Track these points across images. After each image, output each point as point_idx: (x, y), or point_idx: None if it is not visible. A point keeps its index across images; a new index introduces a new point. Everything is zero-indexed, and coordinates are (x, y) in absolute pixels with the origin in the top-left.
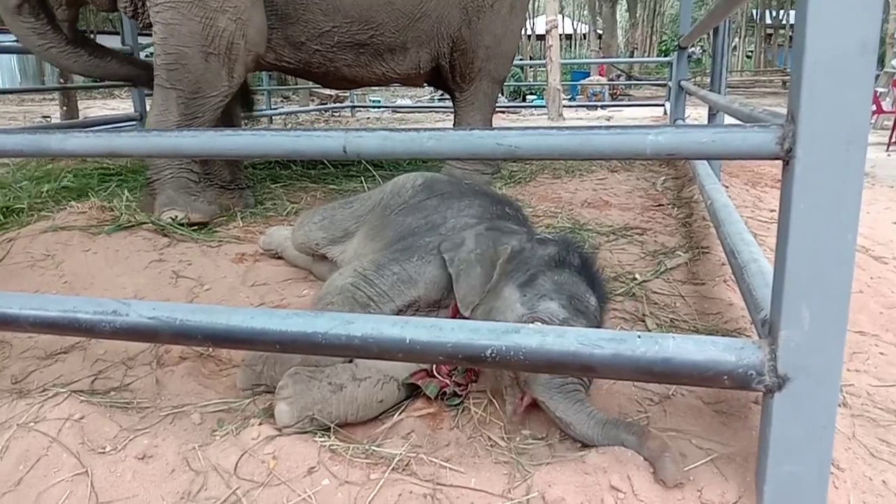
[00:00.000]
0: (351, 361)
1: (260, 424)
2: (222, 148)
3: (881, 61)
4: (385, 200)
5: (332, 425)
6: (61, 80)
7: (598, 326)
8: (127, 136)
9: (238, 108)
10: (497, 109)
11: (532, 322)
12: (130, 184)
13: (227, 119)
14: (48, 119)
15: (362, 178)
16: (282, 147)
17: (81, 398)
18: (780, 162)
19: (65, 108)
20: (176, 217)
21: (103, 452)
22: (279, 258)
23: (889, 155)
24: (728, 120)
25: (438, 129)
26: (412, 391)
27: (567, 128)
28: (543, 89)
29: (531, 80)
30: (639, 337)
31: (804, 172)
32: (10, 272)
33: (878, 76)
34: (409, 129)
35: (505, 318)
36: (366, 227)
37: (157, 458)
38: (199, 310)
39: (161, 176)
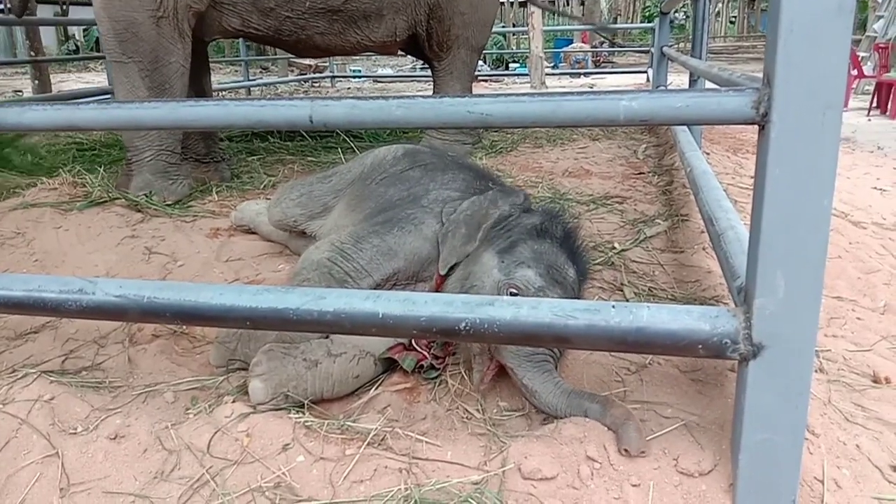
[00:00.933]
0: (327, 337)
1: (233, 402)
2: (184, 119)
3: (863, 26)
4: (365, 172)
5: (307, 402)
6: (32, 53)
7: (576, 298)
8: (87, 108)
9: (208, 79)
10: (479, 78)
11: (507, 289)
12: (104, 158)
13: (198, 90)
14: (20, 93)
15: (339, 150)
16: (246, 117)
17: (52, 378)
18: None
19: (37, 81)
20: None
21: (74, 433)
22: (252, 233)
23: (870, 120)
24: (708, 85)
25: (407, 96)
26: (389, 365)
27: (539, 94)
28: (526, 57)
29: (514, 47)
30: (613, 307)
31: (779, 137)
32: None
33: (859, 41)
34: (378, 98)
35: (482, 283)
36: (345, 199)
37: (129, 437)
38: (168, 287)
39: (140, 158)
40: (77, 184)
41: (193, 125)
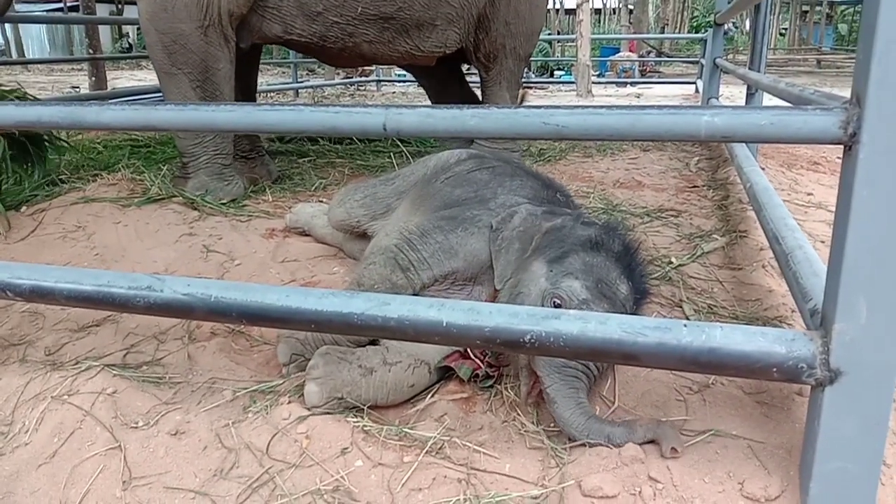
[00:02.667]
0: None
1: (289, 403)
2: (260, 123)
3: None
4: (429, 174)
5: (364, 407)
6: (90, 51)
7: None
8: (163, 108)
9: (255, 81)
10: (524, 85)
11: (551, 298)
12: (159, 156)
13: (245, 92)
14: (77, 89)
15: (391, 154)
16: (321, 123)
17: (114, 372)
18: (816, 145)
19: (93, 78)
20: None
21: (136, 427)
22: (306, 235)
23: None
24: (767, 100)
25: (482, 107)
26: (443, 374)
27: (617, 107)
28: (572, 65)
29: (559, 55)
30: (685, 326)
31: (869, 158)
32: (42, 243)
33: None
34: (452, 107)
35: (528, 291)
36: (408, 198)
37: (189, 434)
38: (234, 287)
39: (196, 161)
40: (135, 180)
41: (268, 129)
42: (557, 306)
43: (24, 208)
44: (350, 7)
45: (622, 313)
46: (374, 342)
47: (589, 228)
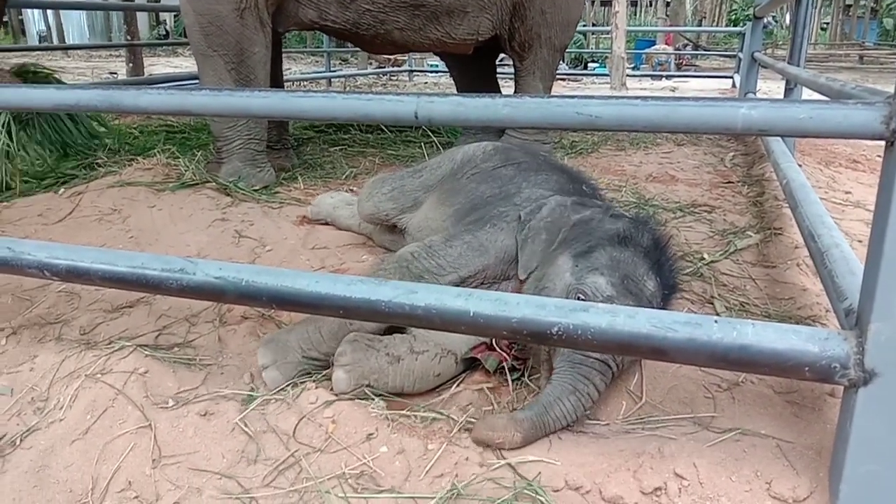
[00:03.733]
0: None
1: (316, 388)
2: (294, 109)
3: None
4: (456, 168)
5: (388, 395)
6: (128, 38)
7: None
8: (199, 94)
9: (281, 69)
10: (557, 77)
11: (575, 294)
12: (194, 142)
13: (273, 81)
14: (115, 75)
15: (421, 144)
16: (353, 110)
17: (146, 352)
18: (858, 141)
19: (131, 64)
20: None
21: (166, 407)
22: (329, 225)
23: None
24: (807, 95)
25: (514, 96)
26: (469, 365)
27: (652, 98)
28: (606, 57)
29: (593, 47)
30: (715, 322)
31: None
32: (79, 224)
33: None
34: (484, 96)
35: (553, 285)
36: (436, 193)
37: (218, 415)
38: (265, 272)
39: (230, 147)
40: (170, 165)
41: (302, 115)
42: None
43: (62, 190)
44: None
45: None
46: (398, 330)
47: (618, 222)
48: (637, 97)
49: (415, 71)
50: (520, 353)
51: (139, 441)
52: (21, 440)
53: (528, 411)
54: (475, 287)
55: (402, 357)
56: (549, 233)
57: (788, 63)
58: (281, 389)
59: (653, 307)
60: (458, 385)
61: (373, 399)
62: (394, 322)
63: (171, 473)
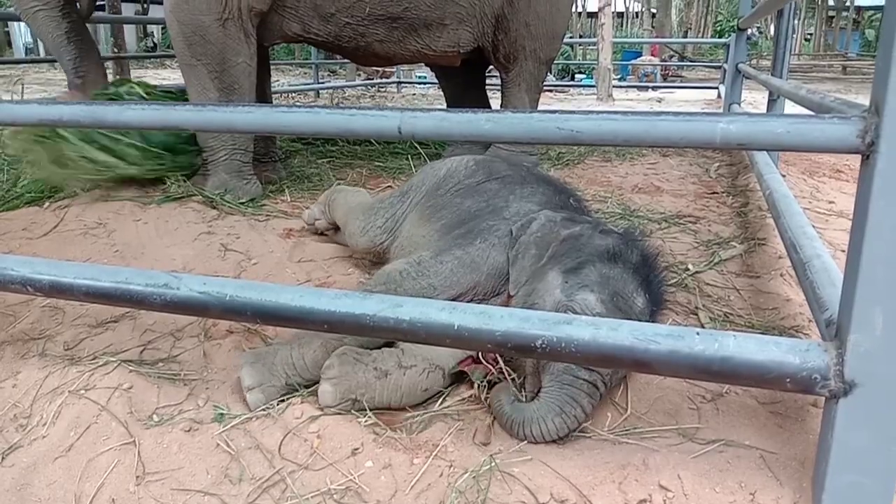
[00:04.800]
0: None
1: (302, 403)
2: (276, 124)
3: None
4: (438, 183)
5: (372, 409)
6: (115, 50)
7: None
8: (182, 108)
9: (269, 82)
10: (544, 88)
11: (565, 310)
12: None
13: (260, 93)
14: None
15: (408, 156)
16: (336, 125)
17: (130, 368)
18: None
19: (118, 76)
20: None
21: (151, 423)
22: (323, 234)
23: None
24: (789, 107)
25: (497, 111)
26: (456, 379)
27: (632, 113)
28: (593, 68)
29: (580, 58)
30: (697, 334)
31: (886, 168)
32: (64, 239)
33: None
34: (467, 111)
35: (543, 301)
36: (417, 209)
37: (202, 432)
38: (249, 286)
39: (215, 158)
40: (155, 179)
41: (285, 130)
42: None
43: (46, 204)
44: (359, 8)
45: None
46: (388, 344)
47: (607, 238)
48: (618, 112)
49: (403, 82)
50: (507, 366)
51: (123, 458)
52: (3, 458)
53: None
54: (469, 302)
55: (389, 372)
56: (539, 248)
57: (772, 75)
58: (266, 404)
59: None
60: (444, 399)
61: (358, 413)
62: (379, 336)
63: (156, 491)
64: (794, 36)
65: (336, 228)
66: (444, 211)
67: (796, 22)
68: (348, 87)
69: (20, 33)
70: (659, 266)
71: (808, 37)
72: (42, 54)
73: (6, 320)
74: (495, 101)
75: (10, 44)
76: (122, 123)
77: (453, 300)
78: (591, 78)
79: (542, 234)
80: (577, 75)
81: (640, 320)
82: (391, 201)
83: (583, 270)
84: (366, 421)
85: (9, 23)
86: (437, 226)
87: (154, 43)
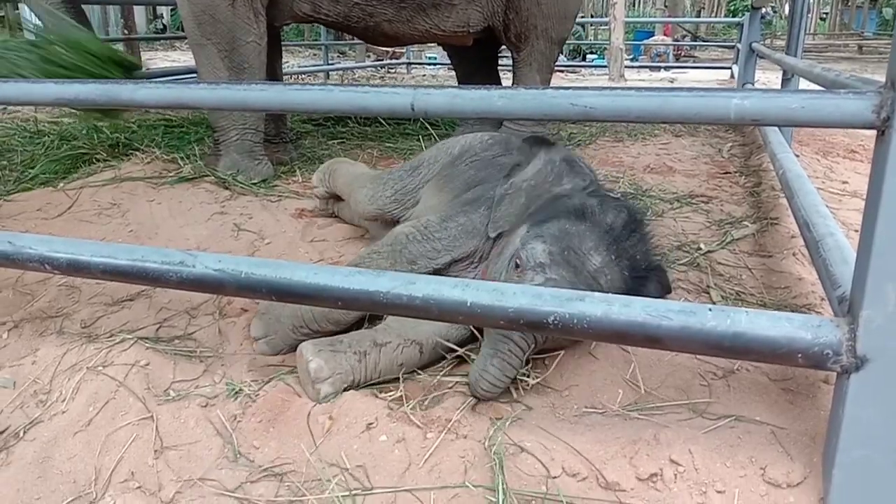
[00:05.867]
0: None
1: None
2: (290, 102)
3: None
4: (454, 158)
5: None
6: (125, 31)
7: (591, 289)
8: (196, 87)
9: (280, 63)
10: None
11: (514, 259)
12: (192, 136)
13: (270, 74)
14: None
15: (419, 137)
16: (350, 103)
17: (147, 345)
18: (856, 132)
19: None
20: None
21: (168, 399)
22: (334, 215)
23: None
24: (804, 86)
25: (509, 88)
26: (436, 355)
27: (646, 89)
28: (604, 48)
29: (592, 38)
30: (710, 310)
31: None
32: (78, 220)
33: None
34: (479, 88)
35: (507, 253)
36: (433, 181)
37: (218, 406)
38: (264, 263)
39: (227, 138)
40: (168, 159)
41: (299, 108)
42: (517, 267)
43: (61, 185)
44: None
45: (591, 285)
46: (360, 325)
47: (592, 198)
48: (631, 88)
49: (412, 63)
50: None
51: (141, 432)
52: (24, 432)
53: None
54: (467, 266)
55: (367, 352)
56: (528, 199)
57: (786, 54)
58: (280, 379)
59: (599, 283)
60: (459, 374)
61: (374, 388)
62: (392, 312)
63: (174, 464)
64: (809, 15)
65: (334, 198)
66: (456, 181)
67: (811, 0)
68: (358, 68)
69: (31, 16)
70: (644, 233)
71: (824, 16)
72: None
73: (24, 299)
74: (507, 81)
75: (20, 26)
76: (136, 102)
77: (454, 262)
78: (603, 58)
79: (535, 183)
80: (588, 55)
81: (594, 279)
82: (401, 174)
83: (547, 223)
84: (383, 396)
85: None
86: (450, 195)
87: (164, 25)
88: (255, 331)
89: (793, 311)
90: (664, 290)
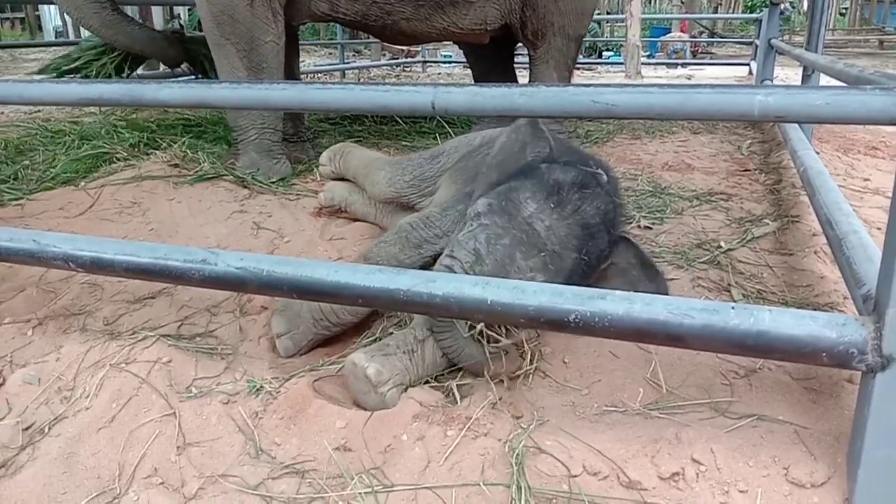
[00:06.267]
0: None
1: None
2: (311, 101)
3: None
4: (472, 150)
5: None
6: None
7: (526, 235)
8: (219, 87)
9: (297, 62)
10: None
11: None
12: (210, 135)
13: (288, 73)
14: None
15: (436, 135)
16: (371, 101)
17: (169, 342)
18: (877, 128)
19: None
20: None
21: (190, 395)
22: (343, 212)
23: None
24: (824, 81)
25: (530, 85)
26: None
27: (668, 86)
28: (621, 45)
29: (608, 35)
30: (732, 308)
31: None
32: (100, 218)
33: None
34: (500, 86)
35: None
36: (448, 173)
37: (239, 403)
38: (285, 262)
39: (245, 137)
40: (188, 158)
41: (320, 107)
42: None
43: (82, 183)
44: None
45: (525, 230)
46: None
47: (547, 161)
48: (653, 85)
49: (428, 62)
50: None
51: (164, 429)
52: (49, 428)
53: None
54: None
55: (414, 349)
56: (500, 173)
57: (806, 49)
58: (301, 377)
59: (532, 229)
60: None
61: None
62: (412, 311)
63: (196, 460)
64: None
65: (340, 179)
66: (467, 173)
67: None
68: (373, 66)
69: (50, 17)
70: (599, 191)
71: (843, 10)
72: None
73: (47, 296)
74: (523, 79)
75: (41, 27)
76: (159, 101)
77: None
78: (619, 55)
79: (503, 158)
80: (604, 52)
81: (528, 224)
82: (419, 161)
83: (500, 183)
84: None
85: (39, 6)
86: (458, 187)
87: (181, 24)
88: (276, 327)
89: (815, 310)
90: (639, 260)
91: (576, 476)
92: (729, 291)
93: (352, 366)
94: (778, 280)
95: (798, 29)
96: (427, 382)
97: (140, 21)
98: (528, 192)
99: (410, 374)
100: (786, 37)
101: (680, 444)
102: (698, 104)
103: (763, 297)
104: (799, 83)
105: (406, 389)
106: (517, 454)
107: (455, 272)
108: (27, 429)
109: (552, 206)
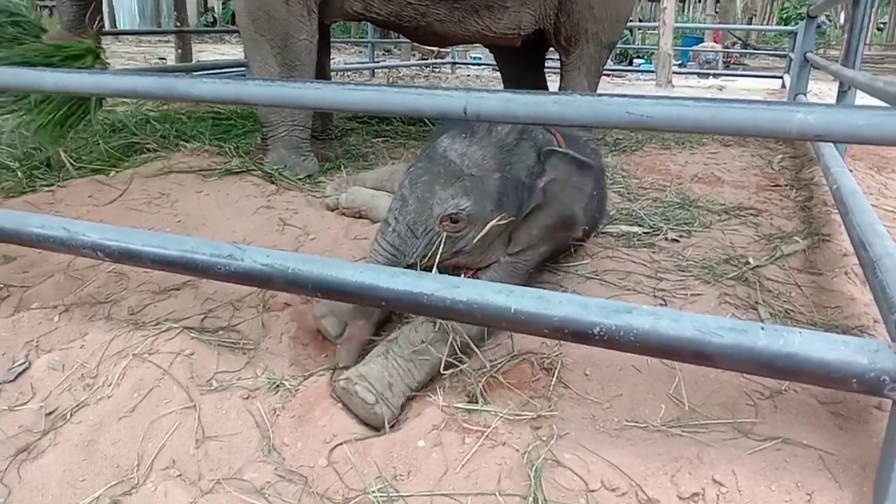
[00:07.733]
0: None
1: None
2: (344, 101)
3: None
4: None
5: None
6: (177, 24)
7: (446, 169)
8: (253, 84)
9: (328, 60)
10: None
11: None
12: (239, 129)
13: (319, 71)
14: (164, 60)
15: None
16: (403, 104)
17: (192, 334)
18: None
19: (180, 50)
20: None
21: (210, 389)
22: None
23: None
24: (860, 99)
25: (563, 93)
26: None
27: (704, 99)
28: (652, 53)
29: (639, 43)
30: (762, 329)
31: None
32: (128, 208)
33: None
34: (533, 93)
35: None
36: None
37: (259, 399)
38: (311, 260)
39: (275, 133)
40: (216, 152)
41: (352, 108)
42: None
43: (112, 173)
44: None
45: (445, 164)
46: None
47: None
48: (689, 98)
49: (457, 63)
50: None
51: (184, 421)
52: (71, 415)
53: None
54: None
55: (412, 355)
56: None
57: (843, 65)
58: (320, 375)
59: (445, 159)
60: (496, 379)
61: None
62: (436, 315)
63: (214, 454)
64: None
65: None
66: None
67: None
68: (403, 66)
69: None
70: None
71: (881, 26)
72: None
73: (75, 283)
74: (553, 84)
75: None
76: (193, 96)
77: None
78: (650, 63)
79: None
80: (635, 60)
81: (443, 157)
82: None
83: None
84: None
85: None
86: None
87: (214, 18)
88: (317, 309)
89: (844, 332)
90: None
91: (594, 491)
92: (756, 309)
93: (342, 391)
94: (806, 300)
95: (833, 43)
96: (446, 385)
97: (176, 13)
98: (445, 136)
99: (406, 379)
100: (821, 50)
101: (701, 464)
102: (735, 119)
103: (791, 317)
104: (832, 98)
105: (410, 394)
106: (535, 466)
107: (388, 221)
108: (50, 414)
109: (464, 136)
